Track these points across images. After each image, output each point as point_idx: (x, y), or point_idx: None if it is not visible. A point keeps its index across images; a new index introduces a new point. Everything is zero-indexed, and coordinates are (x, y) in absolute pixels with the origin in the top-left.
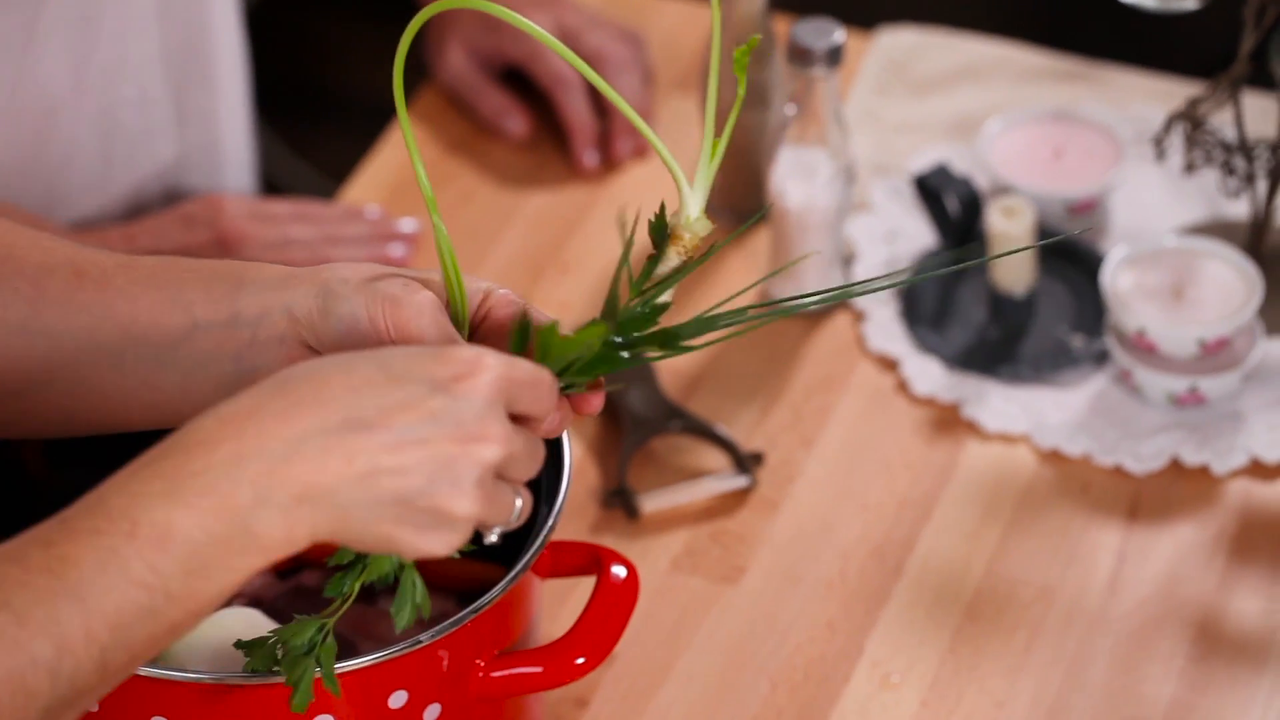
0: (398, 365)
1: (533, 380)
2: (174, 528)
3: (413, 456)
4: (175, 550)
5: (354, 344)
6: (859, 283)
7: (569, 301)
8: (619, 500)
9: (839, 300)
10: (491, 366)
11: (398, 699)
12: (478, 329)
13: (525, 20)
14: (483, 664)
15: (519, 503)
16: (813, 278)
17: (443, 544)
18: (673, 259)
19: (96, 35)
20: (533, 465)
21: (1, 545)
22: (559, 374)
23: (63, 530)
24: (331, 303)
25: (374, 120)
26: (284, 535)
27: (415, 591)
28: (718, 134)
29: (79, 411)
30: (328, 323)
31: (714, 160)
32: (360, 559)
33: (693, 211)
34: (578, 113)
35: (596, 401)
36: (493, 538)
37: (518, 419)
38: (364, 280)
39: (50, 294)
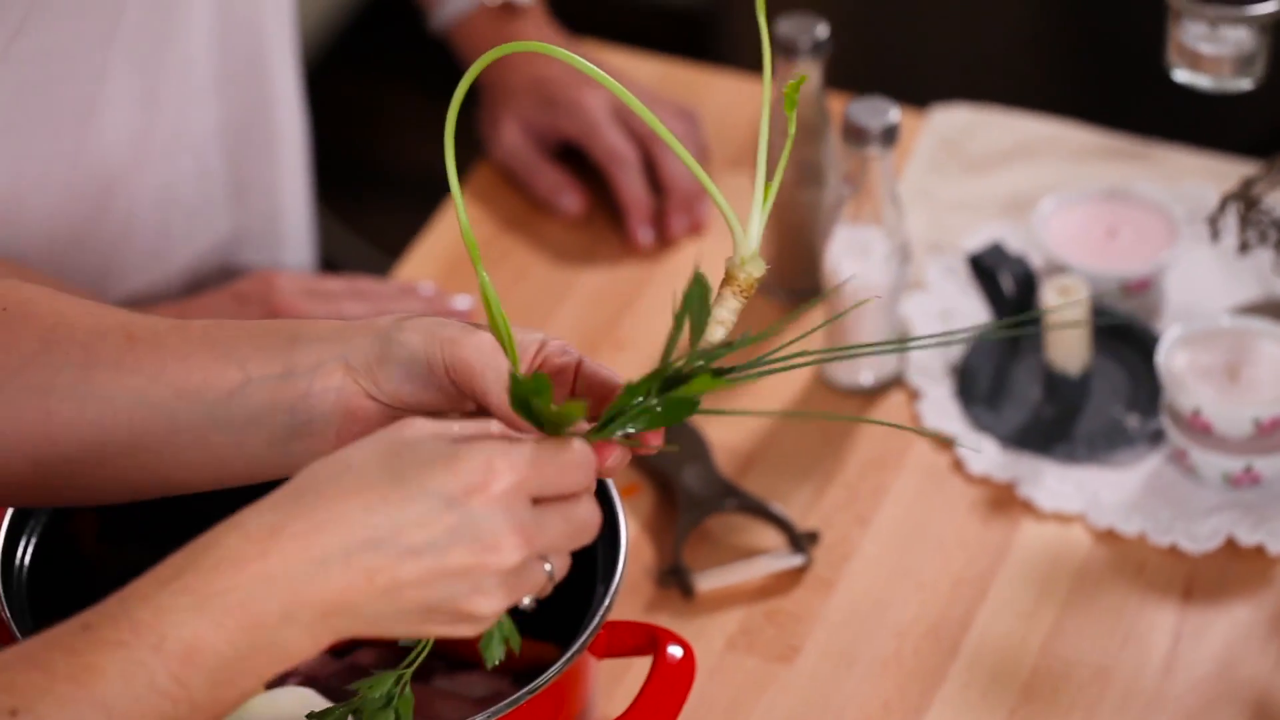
0: (410, 477)
1: (558, 464)
2: (202, 643)
3: (432, 571)
4: (203, 664)
5: (415, 388)
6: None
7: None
8: (674, 579)
9: (891, 352)
10: (504, 472)
11: None
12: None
13: (589, 65)
14: None
15: (548, 568)
16: (866, 357)
17: (473, 632)
18: (728, 300)
19: (157, 108)
20: (574, 540)
21: (22, 645)
22: (609, 422)
23: (87, 639)
24: (390, 348)
25: (428, 195)
26: (310, 646)
27: (502, 627)
28: (769, 176)
29: (133, 475)
30: (386, 368)
31: (767, 202)
32: None
33: (746, 252)
34: (633, 189)
35: (655, 439)
36: (526, 602)
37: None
38: (419, 326)
39: (102, 357)
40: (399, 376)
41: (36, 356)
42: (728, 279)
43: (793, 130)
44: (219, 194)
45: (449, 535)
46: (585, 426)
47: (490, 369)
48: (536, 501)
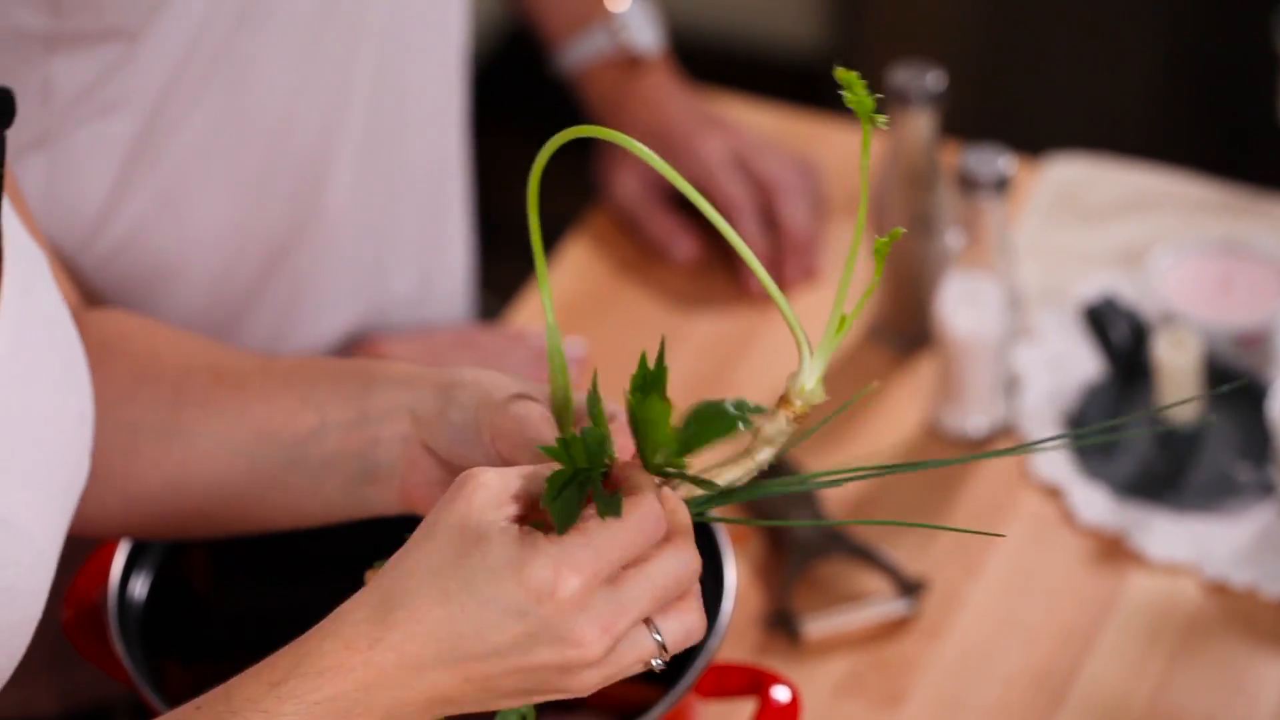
0: (480, 588)
1: (622, 542)
2: None
3: (520, 667)
4: None
5: (466, 449)
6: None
7: None
8: (781, 623)
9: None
10: (569, 577)
11: None
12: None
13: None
14: None
15: (658, 637)
16: (977, 404)
17: (577, 694)
18: (781, 423)
19: (330, 170)
20: (666, 595)
21: None
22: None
23: None
24: (450, 409)
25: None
26: None
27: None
28: (848, 308)
29: (214, 513)
30: (444, 425)
31: (840, 333)
32: None
33: (808, 382)
34: (748, 237)
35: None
36: (656, 664)
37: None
38: (479, 383)
39: (189, 396)
40: (451, 435)
41: (128, 393)
42: (784, 401)
43: (864, 208)
44: (399, 254)
45: (529, 640)
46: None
47: (526, 443)
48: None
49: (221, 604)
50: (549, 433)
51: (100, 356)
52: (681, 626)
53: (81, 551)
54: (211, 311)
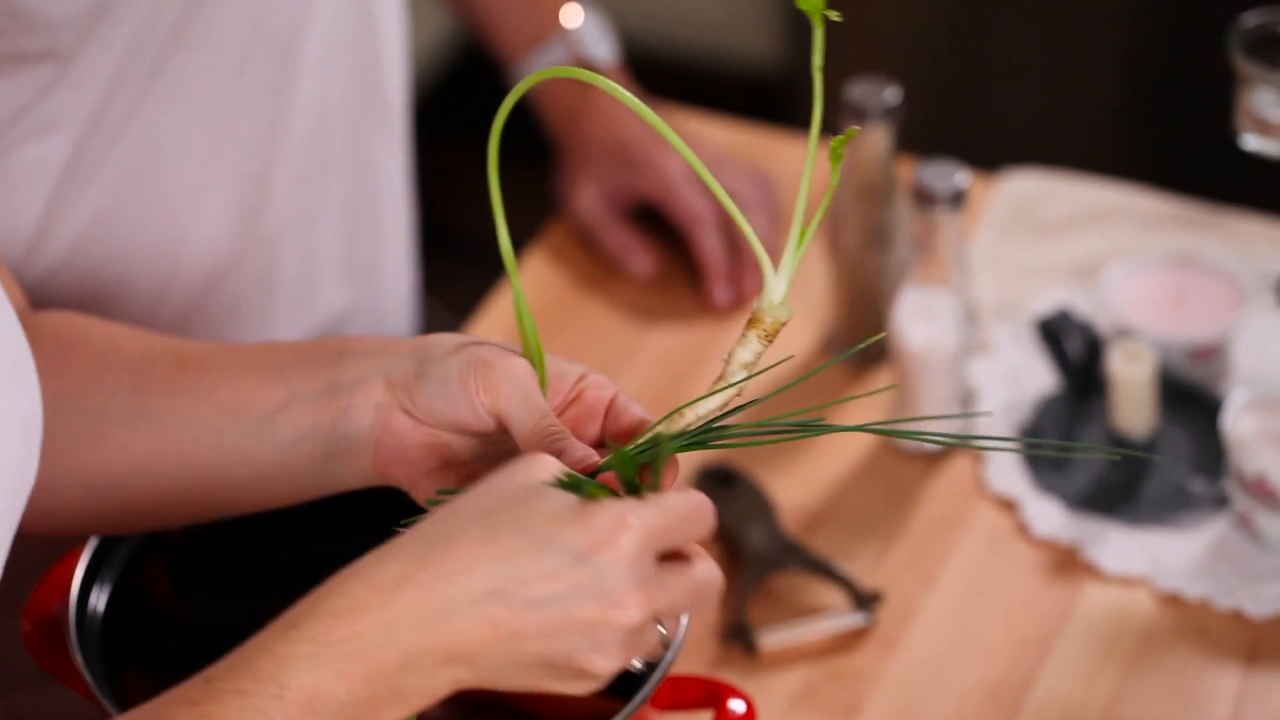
0: (540, 531)
1: (682, 517)
2: (321, 691)
3: (556, 624)
4: (323, 712)
5: (446, 406)
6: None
7: None
8: (738, 636)
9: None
10: (635, 528)
11: None
12: (569, 408)
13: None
14: None
15: (662, 631)
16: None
17: (585, 690)
18: (751, 342)
19: (268, 192)
20: (694, 601)
21: (147, 704)
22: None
23: (207, 690)
24: (426, 365)
25: (499, 257)
26: (429, 693)
27: None
28: (806, 222)
29: (180, 496)
30: (422, 385)
31: (801, 247)
32: None
33: (775, 296)
34: (712, 250)
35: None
36: (637, 664)
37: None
38: (459, 344)
39: (152, 381)
40: (433, 394)
41: (90, 381)
42: (754, 321)
43: (834, 181)
44: (326, 276)
45: (575, 590)
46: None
47: (517, 395)
48: (661, 560)
49: (182, 615)
50: (535, 385)
51: (57, 350)
52: (674, 631)
53: (41, 563)
54: (151, 328)
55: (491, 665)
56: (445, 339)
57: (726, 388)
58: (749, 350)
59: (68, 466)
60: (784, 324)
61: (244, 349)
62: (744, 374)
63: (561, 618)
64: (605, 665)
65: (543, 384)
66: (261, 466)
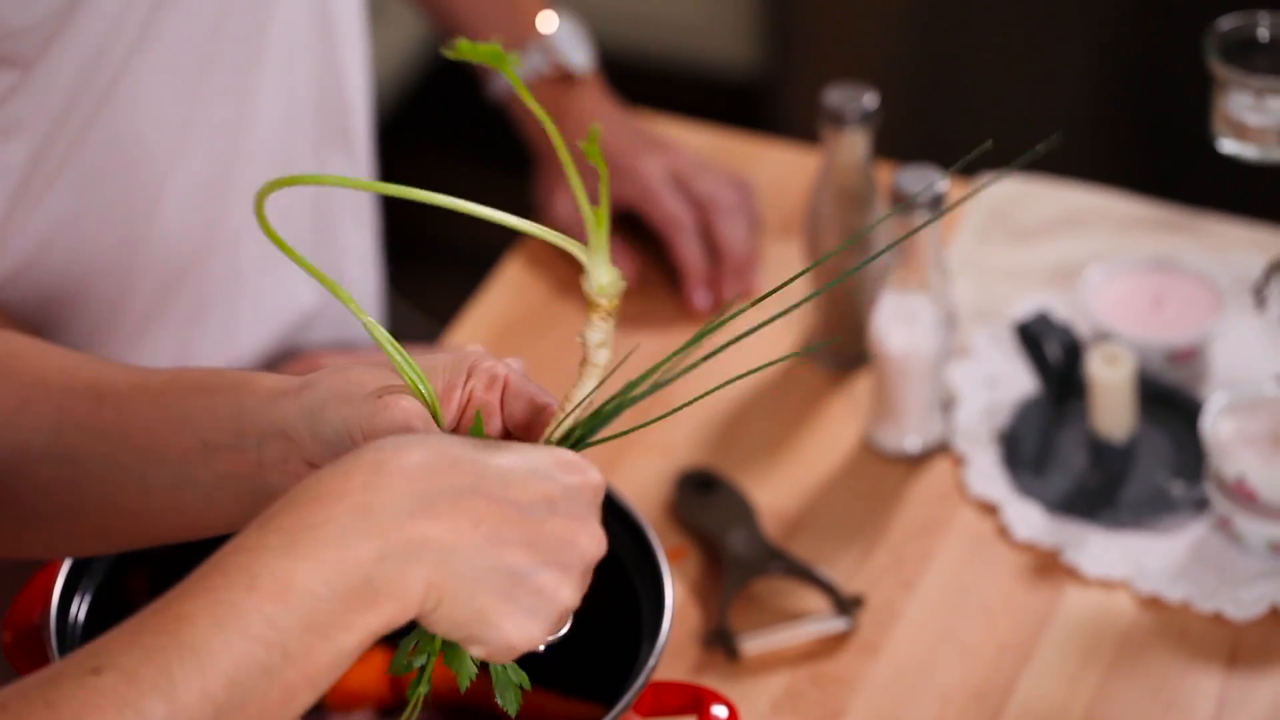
0: (529, 454)
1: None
2: (295, 580)
3: (532, 534)
4: (295, 603)
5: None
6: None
7: (672, 442)
8: (720, 641)
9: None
10: (597, 473)
11: None
12: (467, 409)
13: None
14: None
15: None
16: (913, 422)
17: (526, 636)
18: (597, 325)
19: (231, 194)
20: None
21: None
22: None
23: (178, 592)
24: (317, 424)
25: (480, 264)
26: (400, 588)
27: (514, 673)
28: (595, 204)
29: (112, 531)
30: (317, 445)
31: (601, 227)
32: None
33: (601, 278)
34: (691, 254)
35: None
36: (541, 648)
37: None
38: (343, 397)
39: (73, 419)
40: (325, 451)
41: (13, 416)
42: (593, 307)
43: (604, 170)
44: (291, 277)
45: (550, 505)
46: None
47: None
48: None
49: None
50: (420, 425)
51: None
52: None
53: (21, 574)
54: (113, 330)
55: (462, 566)
56: (327, 386)
57: (597, 371)
58: (600, 332)
59: None
60: (619, 297)
61: (153, 386)
62: (606, 352)
63: (538, 528)
64: (564, 595)
65: (436, 417)
66: (188, 509)
